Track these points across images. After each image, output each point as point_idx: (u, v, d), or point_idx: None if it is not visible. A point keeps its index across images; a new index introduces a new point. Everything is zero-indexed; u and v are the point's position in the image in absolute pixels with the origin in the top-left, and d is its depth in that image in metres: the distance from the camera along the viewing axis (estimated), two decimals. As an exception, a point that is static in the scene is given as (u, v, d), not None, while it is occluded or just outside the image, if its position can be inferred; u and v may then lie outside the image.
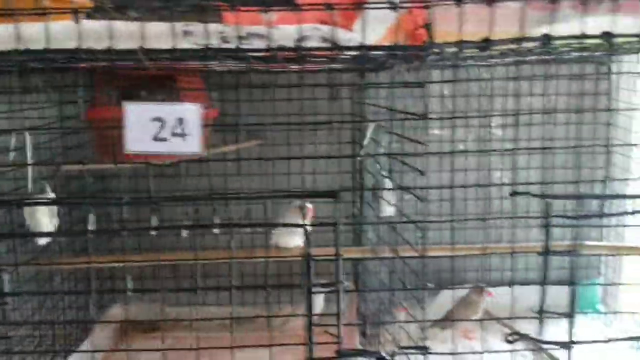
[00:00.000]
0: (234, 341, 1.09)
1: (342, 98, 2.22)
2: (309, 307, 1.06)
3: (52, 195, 1.50)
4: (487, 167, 2.28)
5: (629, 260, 2.31)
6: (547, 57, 1.58)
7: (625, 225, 2.11)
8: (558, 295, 1.18)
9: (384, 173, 1.47)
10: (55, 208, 1.45)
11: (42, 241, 1.46)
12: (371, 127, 1.61)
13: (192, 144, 0.95)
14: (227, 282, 2.29)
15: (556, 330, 1.11)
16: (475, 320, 2.01)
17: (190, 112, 0.95)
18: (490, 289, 2.03)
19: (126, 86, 1.84)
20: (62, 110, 2.04)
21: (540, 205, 1.04)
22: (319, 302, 1.77)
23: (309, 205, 1.56)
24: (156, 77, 1.83)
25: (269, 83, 2.14)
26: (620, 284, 2.25)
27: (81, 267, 1.98)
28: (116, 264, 1.96)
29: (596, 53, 1.56)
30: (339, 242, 1.00)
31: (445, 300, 2.30)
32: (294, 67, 1.66)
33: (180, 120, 0.95)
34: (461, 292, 2.13)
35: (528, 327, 1.11)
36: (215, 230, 1.00)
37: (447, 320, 2.08)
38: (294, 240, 1.64)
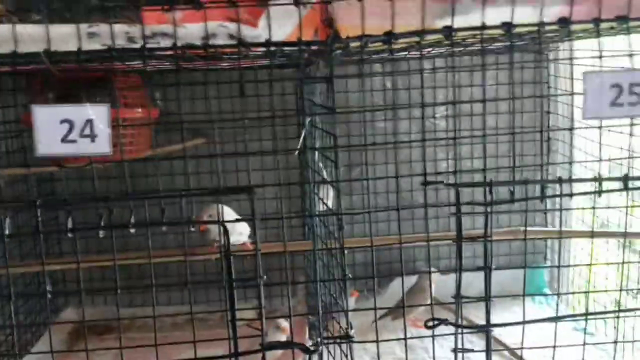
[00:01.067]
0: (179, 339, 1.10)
1: (287, 94, 2.25)
2: (232, 302, 1.08)
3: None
4: (433, 158, 2.32)
5: (576, 245, 2.36)
6: (476, 48, 1.61)
7: (554, 210, 2.16)
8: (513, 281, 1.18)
9: (318, 169, 1.49)
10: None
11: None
12: (306, 125, 1.63)
13: (101, 145, 0.95)
14: (175, 281, 2.33)
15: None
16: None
17: (99, 113, 0.95)
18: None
19: (63, 89, 1.83)
20: (3, 114, 2.03)
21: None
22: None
23: (225, 207, 1.58)
24: (94, 79, 1.82)
25: (209, 81, 2.15)
26: (557, 266, 2.30)
27: (29, 272, 1.98)
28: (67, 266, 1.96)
29: (524, 42, 1.59)
30: (285, 236, 1.02)
31: (395, 291, 2.34)
32: (229, 64, 1.67)
33: (89, 122, 0.96)
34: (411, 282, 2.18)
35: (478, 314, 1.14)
36: (132, 230, 1.01)
37: (398, 309, 2.11)
38: (233, 237, 1.65)
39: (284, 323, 1.77)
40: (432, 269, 2.13)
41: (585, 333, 1.25)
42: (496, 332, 1.65)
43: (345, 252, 1.10)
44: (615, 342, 1.13)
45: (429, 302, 2.12)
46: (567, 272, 2.38)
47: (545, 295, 2.32)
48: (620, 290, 1.10)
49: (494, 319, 1.12)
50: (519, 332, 1.15)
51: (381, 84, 2.31)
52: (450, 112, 2.32)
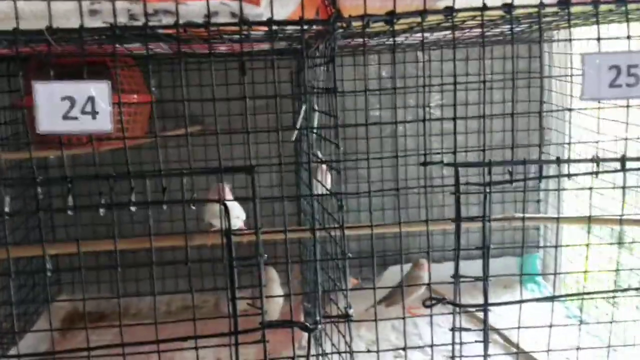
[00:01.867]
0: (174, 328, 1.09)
1: (282, 82, 2.25)
2: (232, 280, 1.08)
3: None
4: (429, 147, 2.33)
5: (568, 234, 2.39)
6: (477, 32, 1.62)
7: (538, 189, 2.18)
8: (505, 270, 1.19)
9: (317, 153, 1.49)
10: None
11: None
12: (303, 109, 1.63)
13: (102, 122, 0.95)
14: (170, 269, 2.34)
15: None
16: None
17: (100, 90, 0.95)
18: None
19: (58, 75, 1.82)
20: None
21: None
22: None
23: (227, 185, 1.59)
24: (90, 64, 1.81)
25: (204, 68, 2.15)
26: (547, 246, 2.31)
27: (22, 258, 1.97)
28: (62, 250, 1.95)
29: (523, 28, 1.60)
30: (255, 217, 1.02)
31: (388, 280, 2.36)
32: (227, 49, 1.67)
33: (90, 99, 0.95)
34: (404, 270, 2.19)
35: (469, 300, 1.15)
36: (132, 208, 1.01)
37: (392, 297, 2.12)
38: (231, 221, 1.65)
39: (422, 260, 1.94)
40: (423, 258, 2.15)
41: (580, 322, 1.26)
42: (490, 320, 1.66)
43: (346, 232, 1.10)
44: (611, 322, 1.15)
45: (422, 290, 2.15)
46: (560, 261, 2.40)
47: (537, 275, 2.33)
48: (617, 270, 1.11)
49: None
50: (513, 318, 1.16)
51: (376, 73, 2.32)
52: (445, 101, 2.33)
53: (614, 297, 1.10)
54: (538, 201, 2.41)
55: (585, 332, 1.89)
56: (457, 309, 1.14)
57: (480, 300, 1.12)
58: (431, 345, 1.16)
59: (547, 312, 1.18)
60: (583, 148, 1.96)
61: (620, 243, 1.39)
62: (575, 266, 2.32)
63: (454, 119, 1.09)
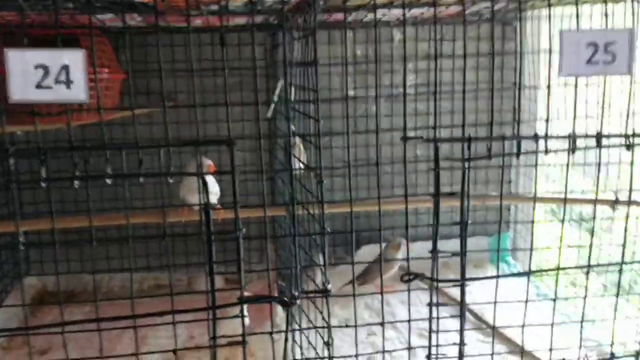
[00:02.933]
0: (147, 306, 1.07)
1: (256, 59, 2.22)
2: (210, 255, 1.07)
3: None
4: (400, 127, 2.33)
5: (538, 214, 2.42)
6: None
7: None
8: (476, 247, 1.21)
9: (293, 128, 1.48)
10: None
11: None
12: (279, 84, 1.62)
13: (77, 92, 0.92)
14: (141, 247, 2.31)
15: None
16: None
17: (75, 59, 0.93)
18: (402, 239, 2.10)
19: (28, 47, 1.77)
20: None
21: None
22: None
23: (209, 161, 1.57)
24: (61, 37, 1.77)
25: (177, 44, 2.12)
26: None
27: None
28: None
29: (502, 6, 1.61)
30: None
31: (362, 258, 2.36)
32: (203, 23, 1.64)
33: (65, 68, 0.93)
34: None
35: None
36: (108, 181, 0.98)
37: (365, 275, 2.13)
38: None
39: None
40: (400, 238, 2.16)
41: (555, 298, 1.27)
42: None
43: (325, 209, 1.10)
44: (584, 297, 1.17)
45: (395, 269, 2.17)
46: (529, 239, 2.44)
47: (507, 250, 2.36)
48: (591, 245, 1.13)
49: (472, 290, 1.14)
50: (482, 296, 1.17)
51: (351, 52, 2.30)
52: (420, 80, 2.34)
53: (587, 272, 1.11)
54: (509, 181, 2.44)
55: (556, 310, 1.93)
56: (435, 284, 1.15)
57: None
58: (408, 321, 1.17)
59: (517, 290, 1.20)
60: (555, 129, 1.99)
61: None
62: (544, 245, 2.36)
63: (435, 93, 1.09)
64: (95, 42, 1.88)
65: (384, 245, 2.20)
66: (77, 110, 1.51)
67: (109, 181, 1.00)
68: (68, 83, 0.93)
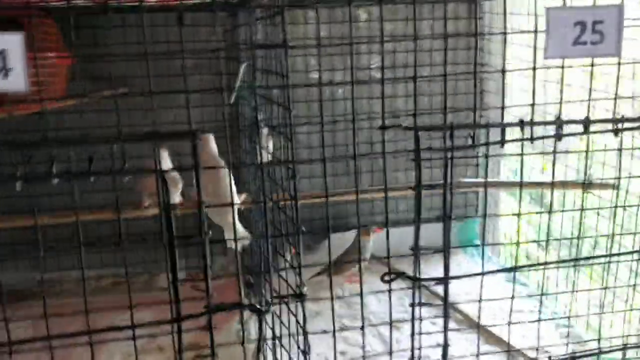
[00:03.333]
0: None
1: (218, 41, 2.10)
2: (173, 262, 0.97)
3: None
4: (369, 110, 2.25)
5: (505, 198, 2.39)
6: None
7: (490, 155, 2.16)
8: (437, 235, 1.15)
9: (260, 117, 1.38)
10: None
11: None
12: (242, 69, 1.51)
13: (16, 81, 0.80)
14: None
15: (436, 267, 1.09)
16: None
17: (13, 43, 0.81)
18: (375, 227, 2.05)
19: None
20: None
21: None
22: None
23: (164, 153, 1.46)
24: (4, 21, 1.62)
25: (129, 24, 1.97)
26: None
27: None
28: None
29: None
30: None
31: (332, 246, 2.28)
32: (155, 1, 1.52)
33: (1, 53, 0.81)
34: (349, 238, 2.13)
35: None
36: (54, 181, 0.87)
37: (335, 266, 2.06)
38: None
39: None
40: (367, 226, 2.10)
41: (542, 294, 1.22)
42: (435, 289, 1.61)
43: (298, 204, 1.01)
44: (572, 291, 1.11)
45: (367, 257, 2.10)
46: (497, 224, 2.41)
47: (476, 245, 2.33)
48: (581, 225, 1.07)
49: (428, 272, 1.07)
50: (457, 287, 1.10)
51: (315, 34, 2.20)
52: (387, 63, 2.25)
53: (575, 265, 1.06)
54: (477, 165, 2.39)
55: (526, 296, 1.90)
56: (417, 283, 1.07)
57: (427, 273, 1.06)
58: (390, 323, 1.09)
59: (491, 281, 1.14)
60: (518, 113, 1.93)
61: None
62: (512, 228, 2.33)
63: (414, 78, 1.00)
64: (39, 24, 1.74)
65: (348, 234, 2.14)
66: (18, 101, 1.37)
67: (54, 181, 0.89)
68: (5, 71, 0.81)
